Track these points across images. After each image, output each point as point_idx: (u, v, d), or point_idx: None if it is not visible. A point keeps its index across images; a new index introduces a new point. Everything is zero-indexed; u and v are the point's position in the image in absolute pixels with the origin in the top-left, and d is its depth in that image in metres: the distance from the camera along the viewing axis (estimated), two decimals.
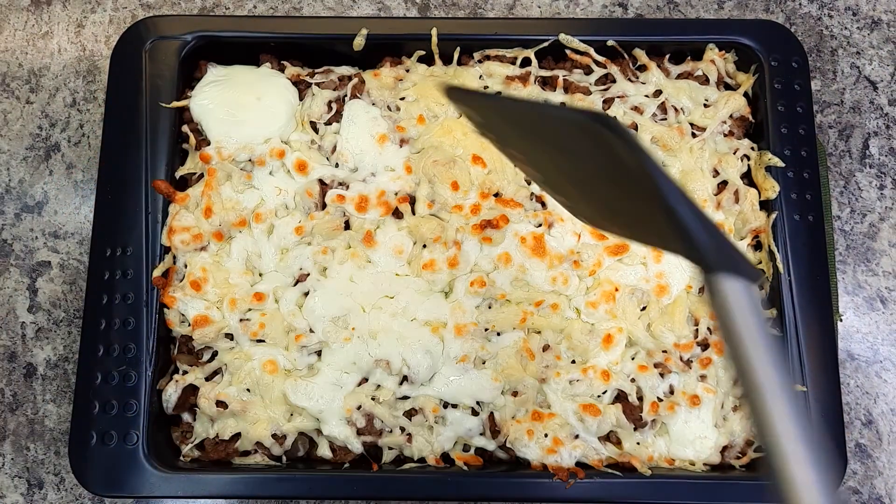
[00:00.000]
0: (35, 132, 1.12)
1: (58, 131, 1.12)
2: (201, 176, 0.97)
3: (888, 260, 1.06)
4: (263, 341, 0.92)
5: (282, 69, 1.02)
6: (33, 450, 1.01)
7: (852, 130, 1.11)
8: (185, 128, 0.99)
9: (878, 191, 1.08)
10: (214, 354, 0.93)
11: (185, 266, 0.94)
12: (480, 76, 1.01)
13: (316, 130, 1.00)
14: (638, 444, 0.90)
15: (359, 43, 1.00)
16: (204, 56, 1.01)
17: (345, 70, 1.02)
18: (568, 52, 1.01)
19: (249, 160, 0.97)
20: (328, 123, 1.00)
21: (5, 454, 1.01)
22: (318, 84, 1.00)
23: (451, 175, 0.95)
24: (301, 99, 1.00)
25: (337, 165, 0.98)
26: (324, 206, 0.96)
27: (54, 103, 1.13)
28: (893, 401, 1.02)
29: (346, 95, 1.00)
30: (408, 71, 1.02)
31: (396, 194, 0.96)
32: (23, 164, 1.11)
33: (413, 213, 0.96)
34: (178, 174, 0.98)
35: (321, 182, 0.97)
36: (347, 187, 0.97)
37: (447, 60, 1.02)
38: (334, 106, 1.00)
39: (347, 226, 0.96)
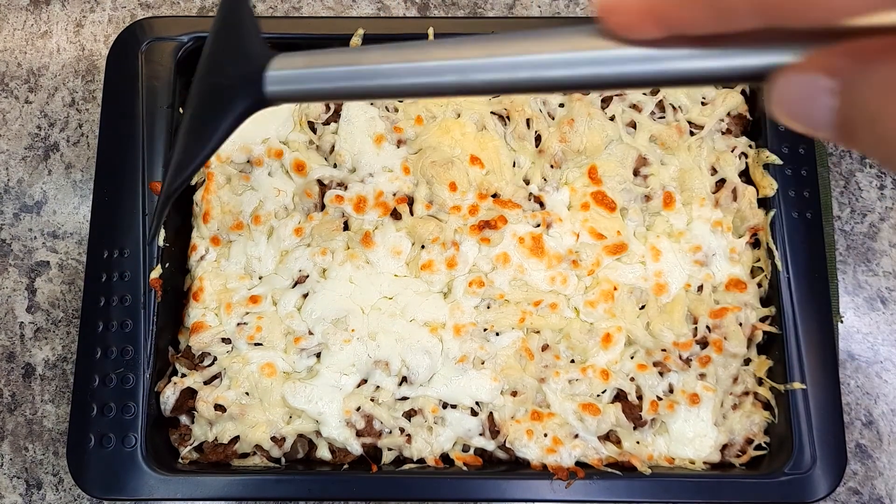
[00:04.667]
0: (34, 132, 1.12)
1: (57, 131, 1.12)
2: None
3: (888, 260, 1.06)
4: (261, 345, 0.92)
5: None
6: (32, 450, 1.01)
7: None
8: None
9: (879, 191, 1.08)
10: (216, 359, 0.93)
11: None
12: None
13: (314, 130, 0.99)
14: (638, 443, 0.90)
15: (355, 43, 1.00)
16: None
17: None
18: None
19: (248, 161, 0.97)
20: (326, 123, 0.99)
21: (4, 454, 1.01)
22: None
23: (449, 176, 0.95)
24: None
25: (335, 166, 0.98)
26: (322, 206, 0.96)
27: (53, 103, 1.13)
28: (894, 401, 1.02)
29: None
30: None
31: (394, 195, 0.96)
32: (21, 163, 1.11)
33: (411, 213, 0.96)
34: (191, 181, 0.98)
35: (320, 182, 0.97)
36: (346, 188, 0.96)
37: None
38: (332, 106, 1.00)
39: (346, 227, 0.96)
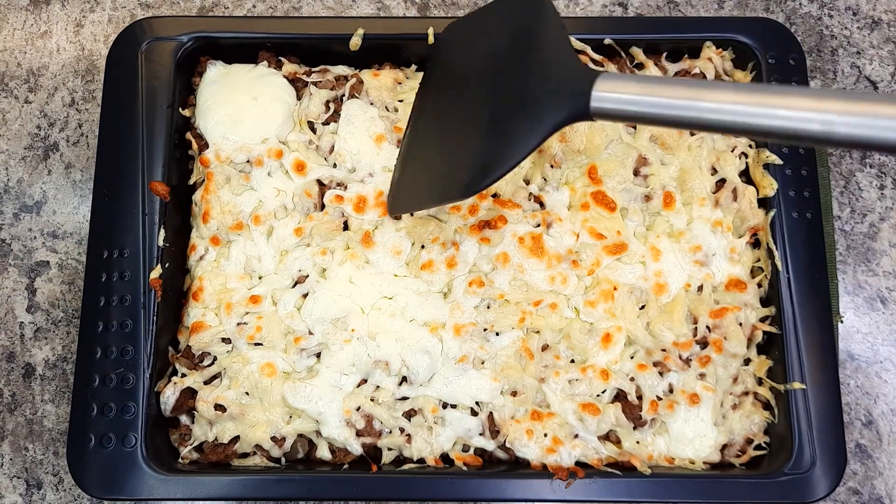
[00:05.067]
0: (34, 132, 1.12)
1: (56, 131, 1.12)
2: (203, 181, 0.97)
3: (888, 260, 1.06)
4: (261, 345, 0.92)
5: (280, 66, 1.01)
6: (32, 450, 1.01)
7: None
8: (188, 135, 0.99)
9: (879, 191, 1.08)
10: (216, 359, 0.93)
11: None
12: None
13: (314, 130, 0.99)
14: (637, 443, 0.90)
15: (355, 43, 1.00)
16: (201, 56, 1.01)
17: (341, 70, 1.02)
18: None
19: (248, 161, 0.97)
20: (326, 123, 0.99)
21: (4, 454, 1.01)
22: (314, 83, 1.00)
23: None
24: (299, 98, 1.00)
25: (335, 166, 0.98)
26: (322, 206, 0.96)
27: (53, 103, 1.13)
28: (893, 401, 1.02)
29: (343, 95, 1.00)
30: (408, 78, 1.02)
31: None
32: (21, 163, 1.11)
33: (411, 213, 0.96)
34: (190, 181, 0.99)
35: (320, 183, 0.97)
36: (346, 188, 0.96)
37: None
38: (332, 106, 1.00)
39: (346, 227, 0.96)
